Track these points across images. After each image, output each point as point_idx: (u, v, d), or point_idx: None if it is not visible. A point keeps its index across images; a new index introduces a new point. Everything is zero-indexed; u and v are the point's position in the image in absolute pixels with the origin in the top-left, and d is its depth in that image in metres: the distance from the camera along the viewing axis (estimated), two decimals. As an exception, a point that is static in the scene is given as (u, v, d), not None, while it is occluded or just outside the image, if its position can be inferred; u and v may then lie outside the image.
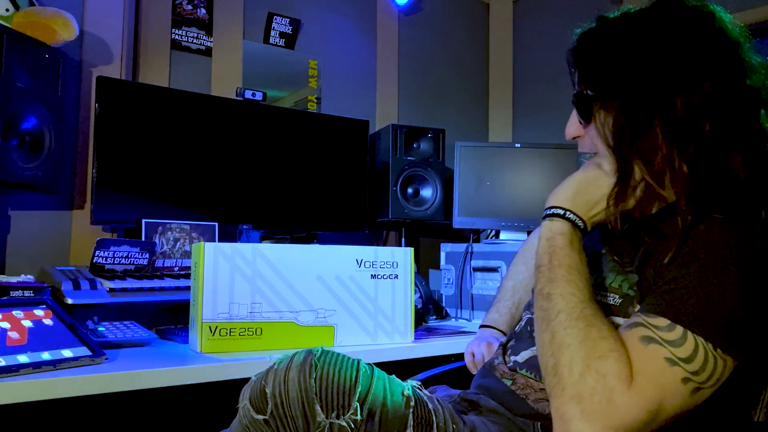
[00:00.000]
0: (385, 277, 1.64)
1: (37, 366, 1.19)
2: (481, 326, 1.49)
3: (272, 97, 2.46)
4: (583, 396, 0.77)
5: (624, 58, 0.94)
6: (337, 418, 0.89)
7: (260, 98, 2.21)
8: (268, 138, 2.24)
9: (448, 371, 1.47)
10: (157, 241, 1.87)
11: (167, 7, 2.25)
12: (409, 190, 2.53)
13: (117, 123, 1.91)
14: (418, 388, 1.06)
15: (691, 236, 0.86)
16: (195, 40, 2.31)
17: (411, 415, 0.95)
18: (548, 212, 0.97)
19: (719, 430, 0.89)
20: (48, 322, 1.34)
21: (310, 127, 2.36)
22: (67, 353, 1.27)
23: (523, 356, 1.10)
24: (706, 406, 0.80)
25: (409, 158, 2.51)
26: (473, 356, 1.40)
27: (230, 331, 1.47)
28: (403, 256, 1.67)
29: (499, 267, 2.34)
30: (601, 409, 0.76)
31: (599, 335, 0.82)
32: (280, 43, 2.52)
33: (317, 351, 0.95)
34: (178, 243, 1.93)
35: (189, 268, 1.87)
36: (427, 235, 2.89)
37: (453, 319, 2.41)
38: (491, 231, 2.66)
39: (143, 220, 1.87)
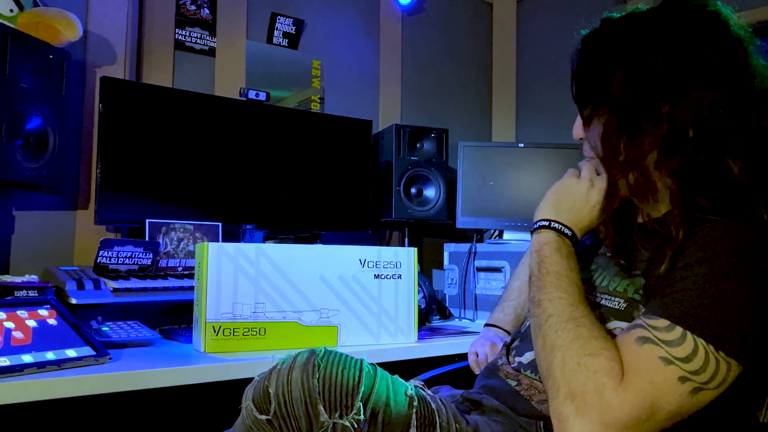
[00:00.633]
0: (388, 277, 1.64)
1: (41, 366, 1.19)
2: (486, 325, 1.49)
3: (275, 98, 2.46)
4: (576, 393, 0.79)
5: (617, 66, 0.94)
6: (340, 417, 0.89)
7: (263, 98, 2.21)
8: (272, 138, 2.24)
9: (452, 371, 1.47)
10: (160, 241, 1.88)
11: (171, 7, 2.25)
12: (413, 190, 2.52)
13: (121, 123, 1.91)
14: (421, 388, 1.06)
15: (695, 238, 0.85)
16: (198, 41, 2.31)
17: (414, 415, 0.95)
18: (535, 226, 1.02)
19: (725, 430, 0.88)
20: (52, 321, 1.34)
21: (314, 127, 2.36)
22: (71, 353, 1.27)
23: (528, 357, 1.10)
24: (711, 407, 0.79)
25: (412, 158, 2.51)
26: (476, 356, 1.40)
27: (234, 331, 1.47)
28: (406, 256, 1.67)
29: (502, 267, 2.33)
30: (593, 406, 0.77)
31: (590, 334, 0.83)
32: (284, 44, 2.52)
33: (320, 351, 0.95)
34: (182, 243, 1.93)
35: (192, 268, 1.88)
36: (431, 235, 2.89)
37: (456, 319, 2.41)
38: (495, 231, 2.66)
39: (147, 220, 1.87)
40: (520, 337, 1.17)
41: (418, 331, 1.70)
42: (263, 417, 0.92)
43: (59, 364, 1.22)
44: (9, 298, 1.44)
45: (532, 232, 1.03)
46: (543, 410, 1.03)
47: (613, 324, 0.93)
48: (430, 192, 2.54)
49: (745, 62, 0.91)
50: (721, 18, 0.93)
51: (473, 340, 1.45)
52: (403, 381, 1.01)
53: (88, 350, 1.30)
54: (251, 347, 1.48)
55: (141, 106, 1.96)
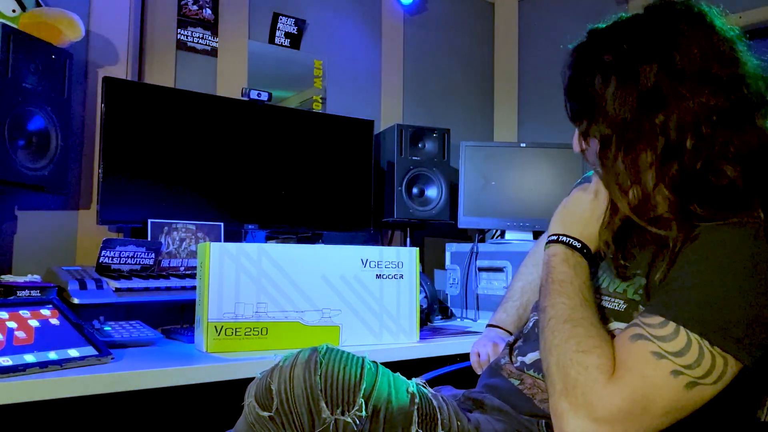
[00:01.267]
0: (390, 277, 1.64)
1: (43, 365, 1.20)
2: (488, 325, 1.49)
3: (277, 98, 2.46)
4: (569, 389, 0.81)
5: (606, 81, 0.92)
6: (342, 414, 0.89)
7: (266, 98, 2.21)
8: (274, 138, 2.24)
9: (453, 371, 1.47)
10: (162, 241, 1.88)
11: (173, 7, 2.25)
12: (414, 190, 2.52)
13: (123, 123, 1.92)
14: (423, 386, 1.06)
15: (692, 239, 0.85)
16: (200, 41, 2.31)
17: (416, 412, 0.95)
18: (547, 240, 1.03)
19: (725, 429, 0.88)
20: (54, 321, 1.34)
21: (316, 127, 2.36)
22: (73, 353, 1.27)
23: (530, 357, 1.10)
24: (711, 406, 0.79)
25: (414, 158, 2.51)
26: (479, 356, 1.40)
27: (236, 331, 1.47)
28: (408, 256, 1.67)
29: (504, 267, 2.33)
30: (585, 401, 0.79)
31: (585, 334, 0.85)
32: (286, 44, 2.52)
33: (322, 348, 0.96)
34: (184, 243, 1.93)
35: (194, 267, 1.88)
36: (432, 235, 2.89)
37: (458, 319, 2.41)
38: (496, 231, 2.66)
39: (149, 220, 1.88)
40: (522, 337, 1.17)
41: (420, 331, 1.70)
42: (265, 414, 0.93)
43: (61, 363, 1.23)
44: (11, 297, 1.45)
45: (545, 245, 1.04)
46: (545, 409, 1.03)
47: (614, 325, 0.93)
48: (431, 192, 2.54)
49: (735, 64, 0.90)
50: (707, 20, 0.92)
51: (475, 341, 1.45)
52: (404, 378, 1.01)
53: (90, 350, 1.30)
54: (253, 347, 1.48)
55: (143, 106, 1.96)
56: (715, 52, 0.89)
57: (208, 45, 2.33)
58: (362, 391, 0.91)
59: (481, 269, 2.42)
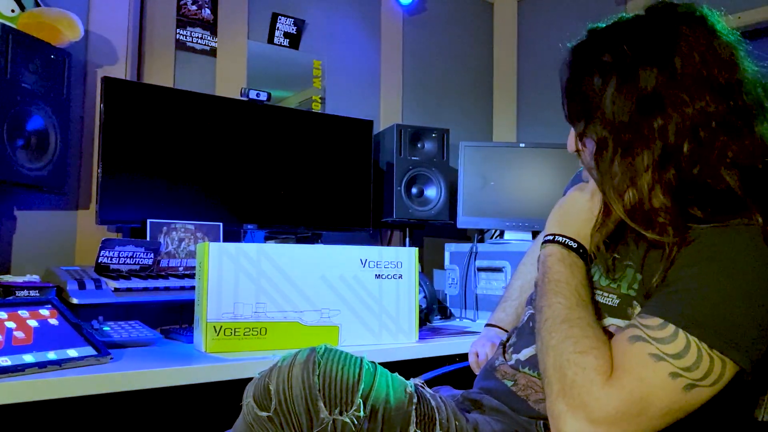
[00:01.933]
0: (389, 277, 1.64)
1: (42, 365, 1.20)
2: (487, 325, 1.49)
3: (277, 98, 2.46)
4: (566, 391, 0.80)
5: (606, 82, 0.91)
6: (340, 414, 0.89)
7: (265, 98, 2.21)
8: (273, 138, 2.24)
9: (452, 372, 1.47)
10: (161, 241, 1.88)
11: (172, 7, 2.25)
12: (414, 190, 2.53)
13: (122, 123, 1.92)
14: (421, 386, 1.06)
15: (689, 242, 0.85)
16: (199, 41, 2.31)
17: (414, 412, 0.95)
18: (543, 240, 1.03)
19: (723, 429, 0.89)
20: (53, 321, 1.34)
21: (315, 127, 2.36)
22: (72, 353, 1.27)
23: (525, 354, 1.10)
24: (709, 406, 0.80)
25: (413, 158, 2.51)
26: (477, 356, 1.40)
27: (235, 331, 1.47)
28: (407, 256, 1.67)
29: (503, 267, 2.33)
30: (582, 402, 0.78)
31: (582, 334, 0.85)
32: (285, 44, 2.52)
33: (320, 348, 0.96)
34: (183, 243, 1.93)
35: (194, 268, 1.88)
36: (432, 235, 2.89)
37: (457, 319, 2.41)
38: (495, 231, 2.66)
39: (148, 220, 1.87)
40: (516, 333, 1.17)
41: (419, 331, 1.70)
42: (264, 414, 0.93)
43: (60, 363, 1.23)
44: (10, 298, 1.45)
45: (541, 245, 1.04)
46: (540, 410, 1.03)
47: (608, 320, 0.93)
48: (431, 192, 2.54)
49: (735, 70, 0.89)
50: (708, 24, 0.91)
51: (474, 340, 1.45)
52: (402, 378, 1.01)
53: (89, 350, 1.30)
54: (252, 347, 1.48)
55: (142, 106, 1.96)
56: (715, 56, 0.89)
57: (207, 45, 2.33)
58: (360, 391, 0.91)
59: (480, 269, 2.42)
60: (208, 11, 2.33)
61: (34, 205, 1.91)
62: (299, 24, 2.54)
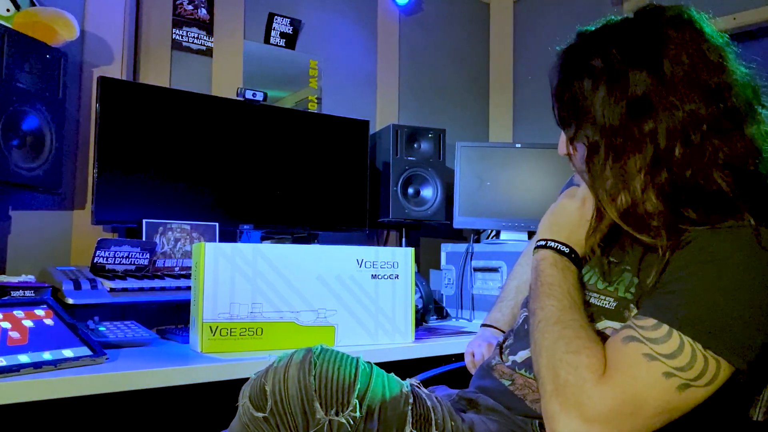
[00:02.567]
0: (385, 277, 1.64)
1: (38, 366, 1.19)
2: (483, 325, 1.49)
3: (273, 98, 2.46)
4: (560, 390, 0.81)
5: (596, 86, 0.91)
6: (336, 415, 0.90)
7: (261, 98, 2.21)
8: (269, 138, 2.24)
9: (449, 371, 1.48)
10: (157, 241, 1.88)
11: (168, 7, 2.25)
12: (410, 190, 2.53)
13: (118, 123, 1.91)
14: (417, 386, 1.06)
15: (683, 244, 0.86)
16: (196, 41, 2.31)
17: (410, 412, 0.95)
18: (536, 245, 1.04)
19: (717, 429, 0.89)
20: (49, 322, 1.34)
21: (311, 127, 2.36)
22: (67, 353, 1.27)
23: (521, 356, 1.10)
24: (704, 406, 0.80)
25: (409, 158, 2.51)
26: (473, 356, 1.40)
27: (231, 331, 1.47)
28: (403, 256, 1.67)
29: (499, 267, 2.34)
30: (575, 401, 0.79)
31: (574, 335, 0.86)
32: (281, 44, 2.52)
33: (317, 349, 0.96)
34: (179, 243, 1.93)
35: (190, 268, 1.88)
36: (428, 235, 2.89)
37: (453, 320, 2.41)
38: (492, 231, 2.66)
39: (144, 220, 1.87)
40: (513, 335, 1.17)
41: (415, 331, 1.70)
42: (260, 414, 0.93)
43: (56, 364, 1.22)
44: (6, 298, 1.44)
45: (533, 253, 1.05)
46: (537, 409, 1.03)
47: (604, 323, 0.93)
48: (427, 192, 2.54)
49: (723, 72, 0.90)
50: (696, 27, 0.92)
51: (470, 341, 1.45)
52: (398, 379, 1.01)
53: (84, 350, 1.30)
54: (248, 347, 1.48)
55: (138, 106, 1.96)
56: (703, 59, 0.89)
57: (204, 45, 2.33)
58: (356, 392, 0.91)
59: (476, 269, 2.42)
60: (204, 11, 2.33)
61: (30, 205, 1.90)
62: (296, 24, 2.54)
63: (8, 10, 1.76)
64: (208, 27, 2.34)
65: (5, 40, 1.63)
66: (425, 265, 2.86)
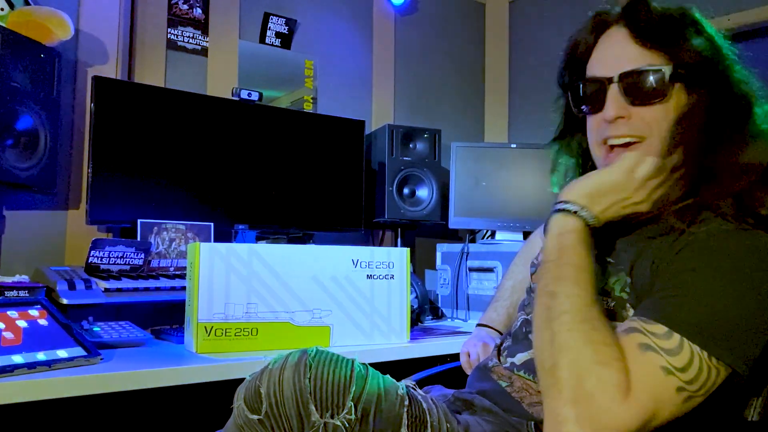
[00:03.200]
0: (381, 277, 1.64)
1: (32, 366, 1.19)
2: (478, 325, 1.49)
3: (268, 97, 2.46)
4: (580, 400, 0.77)
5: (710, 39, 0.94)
6: (332, 417, 0.89)
7: (256, 98, 2.21)
8: (265, 138, 2.23)
9: (444, 371, 1.48)
10: (152, 241, 1.87)
11: (163, 6, 2.24)
12: (406, 191, 2.53)
13: (113, 123, 1.91)
14: (412, 388, 1.06)
15: (692, 242, 0.86)
16: (191, 40, 2.31)
17: (405, 414, 0.95)
18: (561, 207, 0.93)
19: (713, 430, 0.89)
20: (43, 322, 1.34)
21: (307, 127, 2.35)
22: (62, 353, 1.26)
23: (520, 358, 1.10)
24: (699, 407, 0.80)
25: (405, 158, 2.51)
26: (468, 356, 1.40)
27: (226, 332, 1.47)
28: (399, 257, 1.67)
29: (495, 267, 2.34)
30: (596, 416, 0.76)
31: (602, 340, 0.80)
32: (276, 43, 2.52)
33: (312, 351, 0.95)
34: (174, 243, 1.92)
35: (184, 268, 1.87)
36: (423, 236, 2.89)
37: (449, 320, 2.41)
38: (487, 231, 2.66)
39: (139, 220, 1.87)
40: (511, 338, 1.17)
41: (411, 331, 1.70)
42: (255, 417, 0.92)
43: (50, 364, 1.22)
44: (0, 298, 1.44)
45: (555, 211, 0.94)
46: (533, 413, 1.03)
47: None
48: (422, 192, 2.54)
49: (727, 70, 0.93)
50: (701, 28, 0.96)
51: (465, 341, 1.45)
52: (394, 381, 1.01)
53: (79, 351, 1.30)
54: (243, 347, 1.48)
55: (133, 105, 1.95)
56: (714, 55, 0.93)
57: (199, 44, 2.32)
58: (352, 394, 0.91)
59: (471, 269, 2.43)
60: (199, 11, 2.32)
61: (24, 205, 1.90)
62: (291, 24, 2.54)
63: (2, 9, 1.76)
64: (203, 26, 2.33)
65: (-1, 39, 1.63)
66: (421, 265, 2.86)
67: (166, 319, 1.90)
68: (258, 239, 2.24)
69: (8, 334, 1.24)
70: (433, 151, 2.56)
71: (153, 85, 2.16)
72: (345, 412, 0.90)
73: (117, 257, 1.74)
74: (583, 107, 1.02)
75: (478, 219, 2.58)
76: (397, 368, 1.32)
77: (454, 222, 2.58)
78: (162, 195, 2.00)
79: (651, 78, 0.93)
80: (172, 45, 2.26)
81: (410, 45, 2.93)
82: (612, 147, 0.98)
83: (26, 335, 1.27)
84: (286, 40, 2.54)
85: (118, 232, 2.04)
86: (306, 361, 0.93)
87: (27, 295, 1.48)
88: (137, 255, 1.78)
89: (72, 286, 1.58)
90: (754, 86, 0.95)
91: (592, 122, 1.02)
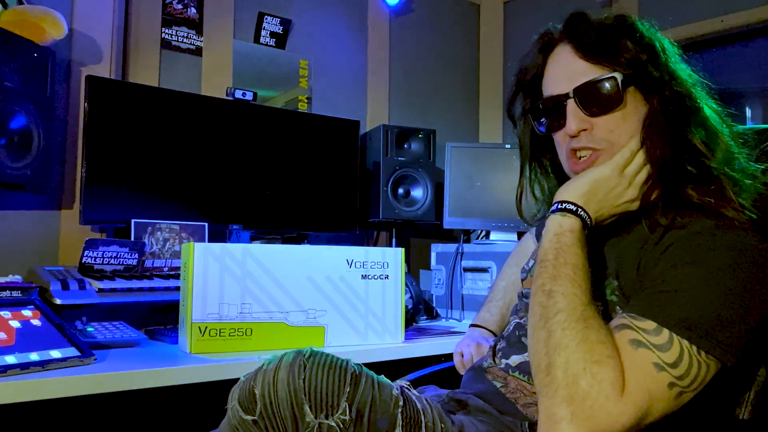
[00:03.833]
0: (375, 277, 1.64)
1: (25, 367, 1.18)
2: (471, 325, 1.50)
3: (263, 97, 2.45)
4: (575, 399, 0.77)
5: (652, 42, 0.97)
6: (326, 418, 0.89)
7: (251, 98, 2.21)
8: (259, 138, 2.23)
9: (438, 371, 1.48)
10: (146, 241, 1.87)
11: (157, 6, 2.24)
12: (400, 191, 2.53)
13: (106, 122, 1.90)
14: (407, 388, 1.06)
15: (677, 240, 0.86)
16: (185, 40, 2.30)
17: (400, 415, 0.95)
18: (560, 206, 0.95)
19: (704, 428, 0.90)
20: (36, 322, 1.33)
21: (301, 127, 2.35)
22: (55, 354, 1.26)
23: (515, 360, 1.10)
24: (691, 405, 0.81)
25: (400, 159, 2.51)
26: (462, 356, 1.40)
27: (220, 332, 1.47)
28: (393, 257, 1.67)
29: (489, 267, 2.34)
30: (592, 414, 0.76)
31: (597, 339, 0.81)
32: (271, 43, 2.52)
33: (306, 351, 0.95)
34: (168, 243, 1.92)
35: (178, 268, 1.87)
36: (418, 236, 2.89)
37: (443, 320, 2.41)
38: (481, 231, 2.66)
39: (132, 220, 1.86)
40: (505, 341, 1.17)
41: (405, 331, 1.70)
42: (249, 417, 0.92)
43: (43, 365, 1.22)
44: (-8, 298, 1.43)
45: (553, 211, 0.96)
46: (528, 413, 1.04)
47: None
48: (417, 192, 2.54)
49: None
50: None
51: (459, 341, 1.45)
52: (389, 381, 1.01)
53: (72, 351, 1.29)
54: (237, 348, 1.47)
55: (127, 105, 1.95)
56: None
57: (193, 44, 2.32)
58: (346, 395, 0.91)
59: (466, 269, 2.43)
60: (193, 10, 2.32)
61: (17, 204, 1.89)
62: (286, 24, 2.54)
63: (-5, 8, 1.75)
64: (197, 26, 2.33)
65: (-8, 38, 1.62)
66: (415, 265, 2.86)
67: (160, 319, 1.89)
68: (252, 239, 2.24)
69: (1, 335, 1.24)
70: (427, 152, 2.56)
71: (147, 84, 2.15)
72: (339, 412, 0.90)
73: (111, 257, 1.74)
74: (545, 126, 1.05)
75: (472, 219, 2.58)
76: (391, 368, 1.32)
77: (449, 222, 2.59)
78: (156, 195, 2.00)
79: (603, 88, 0.95)
80: (166, 44, 2.26)
81: (405, 45, 2.93)
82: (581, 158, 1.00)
83: (19, 335, 1.26)
84: (280, 40, 2.54)
85: (111, 232, 2.03)
86: (300, 362, 0.93)
87: (20, 295, 1.48)
88: (131, 255, 1.78)
89: (65, 286, 1.58)
90: (699, 85, 0.98)
91: (559, 138, 1.04)
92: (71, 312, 1.57)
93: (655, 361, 0.79)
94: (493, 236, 2.59)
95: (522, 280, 1.21)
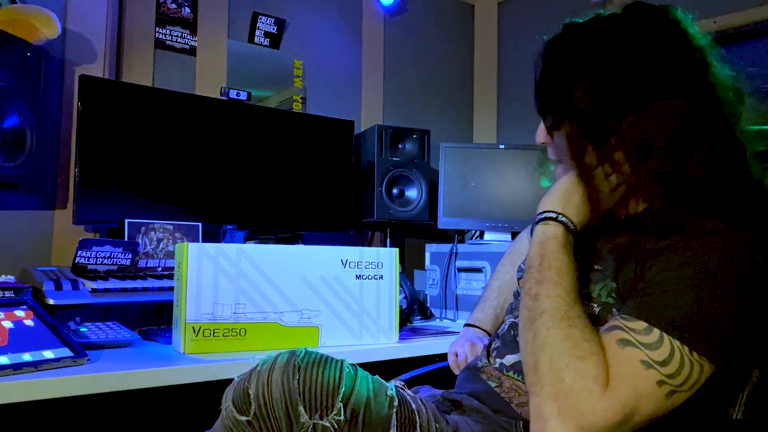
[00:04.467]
0: (370, 277, 1.64)
1: (17, 367, 1.18)
2: (466, 325, 1.50)
3: (257, 97, 2.45)
4: (560, 395, 0.79)
5: (578, 76, 0.95)
6: (321, 418, 0.89)
7: (245, 98, 2.20)
8: (253, 138, 2.23)
9: (432, 371, 1.48)
10: (140, 241, 1.86)
11: (151, 5, 2.23)
12: (395, 191, 2.53)
13: (100, 122, 1.89)
14: (402, 388, 1.06)
15: (674, 242, 0.87)
16: (179, 39, 2.30)
17: (394, 416, 0.95)
18: (541, 216, 0.98)
19: (698, 428, 0.90)
20: (29, 322, 1.33)
21: (295, 127, 2.35)
22: (48, 354, 1.25)
23: (509, 360, 1.10)
24: (684, 405, 0.81)
25: (394, 159, 2.51)
26: (456, 356, 1.40)
27: (214, 332, 1.46)
28: (388, 257, 1.67)
29: (483, 267, 2.35)
30: (576, 410, 0.78)
31: (581, 336, 0.83)
32: (265, 43, 2.51)
33: (301, 352, 0.95)
34: (162, 243, 1.92)
35: (172, 268, 1.87)
36: (412, 236, 2.89)
37: (438, 320, 2.41)
38: (476, 231, 2.67)
39: (126, 220, 1.86)
40: (499, 340, 1.17)
41: (400, 331, 1.70)
42: (243, 418, 0.92)
43: (36, 365, 1.21)
44: (-15, 298, 1.42)
45: (536, 223, 0.99)
46: (522, 413, 1.04)
47: None
48: (411, 192, 2.55)
49: (705, 71, 0.93)
50: (681, 27, 0.95)
51: (453, 341, 1.46)
52: (383, 381, 1.01)
53: (65, 351, 1.29)
54: (231, 348, 1.47)
55: (120, 105, 1.94)
56: (687, 58, 0.92)
57: (187, 44, 2.31)
58: (341, 395, 0.91)
59: (460, 270, 2.43)
60: (188, 10, 2.31)
61: (10, 204, 1.88)
62: (280, 23, 2.53)
63: (-12, 7, 1.74)
64: (191, 26, 2.32)
65: (-15, 37, 1.61)
66: (409, 265, 2.86)
67: (153, 319, 1.89)
68: (246, 239, 2.24)
69: (-6, 335, 1.23)
70: (422, 152, 2.56)
71: (141, 84, 2.15)
72: (334, 413, 0.90)
73: (104, 257, 1.73)
74: None
75: (466, 219, 2.59)
76: (385, 368, 1.32)
77: (443, 222, 2.59)
78: (150, 195, 1.99)
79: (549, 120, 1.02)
80: (160, 44, 2.25)
81: (399, 45, 2.93)
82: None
83: (12, 336, 1.26)
84: (274, 40, 2.54)
85: (105, 232, 2.02)
86: (295, 362, 0.92)
87: (13, 295, 1.47)
88: (124, 255, 1.77)
89: (59, 286, 1.57)
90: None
91: None
92: (64, 312, 1.57)
93: (642, 358, 0.79)
94: (487, 236, 2.59)
95: (518, 279, 1.22)
